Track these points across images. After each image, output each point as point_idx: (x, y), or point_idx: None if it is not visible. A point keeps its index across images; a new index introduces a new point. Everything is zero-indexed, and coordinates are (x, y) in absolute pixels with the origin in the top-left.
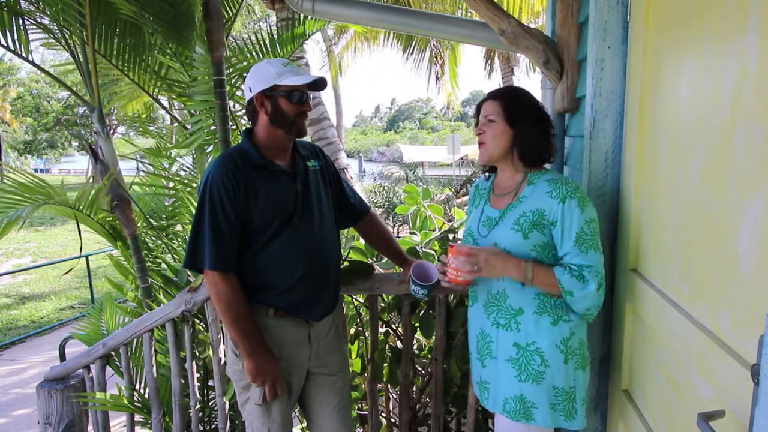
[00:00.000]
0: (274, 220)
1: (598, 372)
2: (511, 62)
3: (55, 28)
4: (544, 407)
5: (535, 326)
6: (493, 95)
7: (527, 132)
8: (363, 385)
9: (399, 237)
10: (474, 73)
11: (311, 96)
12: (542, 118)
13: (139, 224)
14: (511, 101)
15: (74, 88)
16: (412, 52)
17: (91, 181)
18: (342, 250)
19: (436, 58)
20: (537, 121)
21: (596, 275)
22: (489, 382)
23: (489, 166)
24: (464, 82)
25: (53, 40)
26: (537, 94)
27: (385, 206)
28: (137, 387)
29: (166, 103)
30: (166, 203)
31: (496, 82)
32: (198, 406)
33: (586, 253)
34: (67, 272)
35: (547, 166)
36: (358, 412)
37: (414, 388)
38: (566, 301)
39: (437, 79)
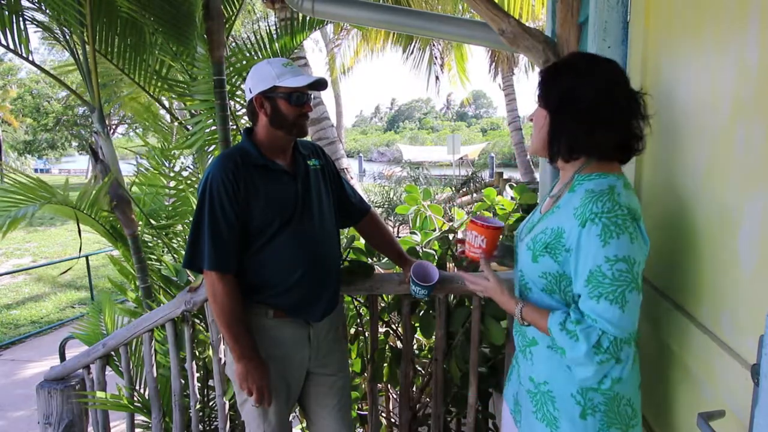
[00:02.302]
0: (274, 220)
1: None
2: (510, 62)
3: (56, 27)
4: None
5: (547, 364)
6: (539, 74)
7: (560, 119)
8: (363, 385)
9: (399, 237)
10: (475, 72)
11: (312, 96)
12: (579, 98)
13: (139, 224)
14: (547, 77)
15: (74, 88)
16: (412, 52)
17: (92, 181)
18: (342, 250)
19: (436, 57)
20: (569, 101)
21: (590, 334)
22: (521, 406)
23: None
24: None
25: (53, 40)
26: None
27: (385, 206)
28: (137, 387)
29: (166, 103)
30: (167, 203)
31: (500, 83)
32: (198, 406)
33: (597, 301)
34: (65, 272)
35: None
36: (358, 412)
37: (414, 388)
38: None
39: (437, 78)
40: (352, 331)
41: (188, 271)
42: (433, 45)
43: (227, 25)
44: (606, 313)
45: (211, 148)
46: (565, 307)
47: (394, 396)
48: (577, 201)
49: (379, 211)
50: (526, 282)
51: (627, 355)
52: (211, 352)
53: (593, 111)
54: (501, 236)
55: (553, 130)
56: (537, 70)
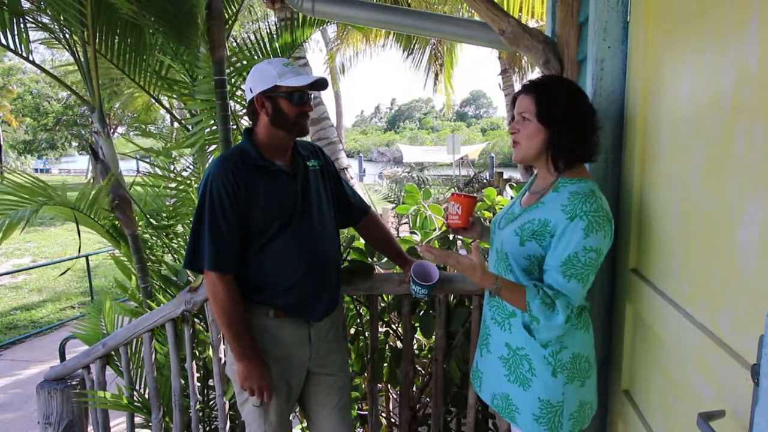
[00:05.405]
0: (274, 221)
1: (598, 372)
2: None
3: (56, 28)
4: (526, 415)
5: (524, 332)
6: (526, 88)
7: (561, 133)
8: (363, 385)
9: (399, 237)
10: (474, 72)
11: (312, 96)
12: (580, 115)
13: (140, 224)
14: (546, 97)
15: (74, 88)
16: (412, 51)
17: (92, 181)
18: (342, 250)
19: (436, 56)
20: (573, 119)
21: (567, 308)
22: (483, 373)
23: None
24: (464, 82)
25: (54, 40)
26: None
27: (393, 200)
28: (137, 387)
29: (166, 104)
30: (168, 203)
31: (499, 83)
32: (198, 406)
33: (568, 280)
34: (64, 272)
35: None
36: (358, 412)
37: (414, 388)
38: (530, 325)
39: (436, 76)
40: (352, 331)
41: (188, 271)
42: (432, 44)
43: (228, 25)
44: (574, 289)
45: (212, 148)
46: None
47: (394, 396)
48: (564, 200)
49: (390, 206)
50: (509, 263)
51: (585, 321)
52: (211, 352)
53: (585, 125)
54: (474, 207)
55: (555, 143)
56: (537, 70)
